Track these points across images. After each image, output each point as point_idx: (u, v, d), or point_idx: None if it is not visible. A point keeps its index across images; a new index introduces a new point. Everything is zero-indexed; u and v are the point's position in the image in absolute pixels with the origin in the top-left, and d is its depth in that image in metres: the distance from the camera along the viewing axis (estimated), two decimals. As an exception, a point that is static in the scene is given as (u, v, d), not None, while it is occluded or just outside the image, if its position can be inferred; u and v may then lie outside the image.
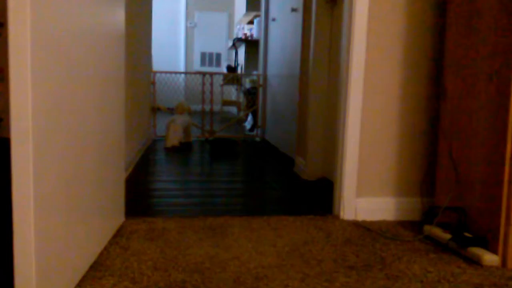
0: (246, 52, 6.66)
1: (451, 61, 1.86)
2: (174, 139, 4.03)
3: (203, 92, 4.88)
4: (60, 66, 1.13)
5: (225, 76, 6.40)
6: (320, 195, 2.47)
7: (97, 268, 1.42)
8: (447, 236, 1.74)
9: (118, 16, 1.70)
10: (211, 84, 4.78)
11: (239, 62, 7.15)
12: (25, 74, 0.97)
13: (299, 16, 3.27)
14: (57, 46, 1.11)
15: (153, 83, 4.55)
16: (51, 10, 1.06)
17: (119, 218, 1.81)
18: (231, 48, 7.97)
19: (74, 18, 1.21)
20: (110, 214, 1.66)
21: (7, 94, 1.36)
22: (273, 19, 4.35)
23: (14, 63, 0.96)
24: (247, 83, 5.55)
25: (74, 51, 1.22)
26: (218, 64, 8.94)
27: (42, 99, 1.03)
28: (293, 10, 3.47)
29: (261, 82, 4.82)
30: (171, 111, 4.98)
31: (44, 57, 1.04)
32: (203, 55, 8.91)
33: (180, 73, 4.89)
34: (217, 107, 6.70)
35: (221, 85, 6.21)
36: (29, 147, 0.99)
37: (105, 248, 1.58)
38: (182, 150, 3.94)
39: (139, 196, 2.33)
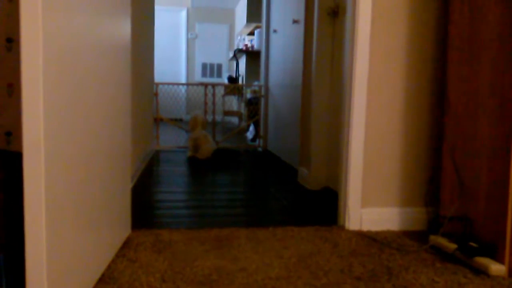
0: (247, 63, 6.71)
1: (453, 74, 1.87)
2: (210, 149, 4.12)
3: (205, 103, 4.90)
4: (69, 79, 1.14)
5: (226, 87, 6.43)
6: (324, 205, 2.48)
7: (105, 280, 1.42)
8: (453, 246, 1.74)
9: (125, 29, 1.72)
10: (213, 95, 4.81)
11: (240, 72, 7.18)
12: (37, 89, 0.98)
13: (300, 27, 3.30)
14: (67, 59, 1.12)
15: (156, 95, 4.57)
16: (61, 24, 1.08)
17: (126, 230, 1.81)
18: (232, 59, 8.02)
19: (83, 32, 1.23)
20: (117, 226, 1.66)
21: (16, 108, 1.37)
22: (275, 31, 4.38)
23: (27, 78, 0.97)
24: (248, 93, 5.57)
25: (82, 63, 1.24)
26: (219, 74, 8.99)
27: (53, 113, 1.04)
28: (295, 21, 3.50)
29: (262, 92, 4.84)
30: (175, 122, 5.00)
31: (55, 70, 1.05)
32: (204, 66, 8.96)
33: (183, 84, 4.92)
34: (218, 118, 6.71)
35: (223, 96, 6.24)
36: (41, 160, 1.00)
37: (113, 261, 1.58)
38: (191, 161, 3.95)
39: (144, 207, 2.34)
